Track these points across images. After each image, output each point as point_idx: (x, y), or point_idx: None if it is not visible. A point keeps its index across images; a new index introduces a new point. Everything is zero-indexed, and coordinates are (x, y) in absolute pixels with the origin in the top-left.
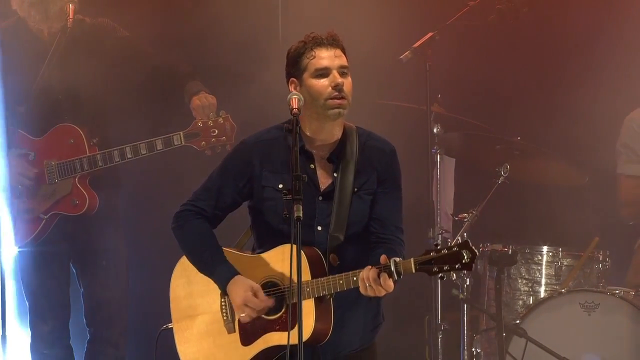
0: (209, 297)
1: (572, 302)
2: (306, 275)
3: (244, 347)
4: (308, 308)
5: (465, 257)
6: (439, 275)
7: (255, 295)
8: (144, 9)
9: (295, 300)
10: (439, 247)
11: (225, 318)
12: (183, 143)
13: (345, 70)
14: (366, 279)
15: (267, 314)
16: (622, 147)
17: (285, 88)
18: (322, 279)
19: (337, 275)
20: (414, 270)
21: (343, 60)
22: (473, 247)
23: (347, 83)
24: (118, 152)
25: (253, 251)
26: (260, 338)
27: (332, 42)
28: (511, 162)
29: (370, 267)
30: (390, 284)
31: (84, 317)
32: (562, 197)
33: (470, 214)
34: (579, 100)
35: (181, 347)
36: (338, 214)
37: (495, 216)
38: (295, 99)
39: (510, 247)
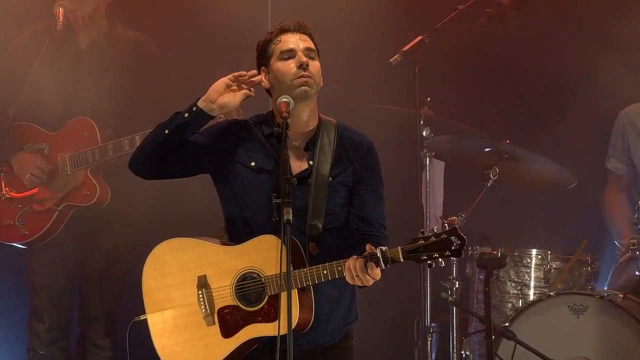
0: (185, 290)
1: (561, 305)
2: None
3: (225, 340)
4: (292, 298)
5: (455, 244)
6: (428, 263)
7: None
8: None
9: (276, 291)
10: (426, 235)
11: (203, 310)
12: None
13: (312, 54)
14: (353, 269)
15: (249, 305)
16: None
17: None
18: (306, 270)
19: (320, 265)
20: (401, 259)
21: (309, 44)
22: (461, 234)
23: (313, 65)
24: (128, 142)
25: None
26: (242, 330)
27: (299, 28)
28: (500, 165)
29: (356, 256)
30: (377, 272)
31: (76, 313)
32: (550, 200)
33: (460, 217)
34: (568, 103)
35: (158, 340)
36: (315, 200)
37: (484, 219)
38: (284, 103)
39: (499, 250)
